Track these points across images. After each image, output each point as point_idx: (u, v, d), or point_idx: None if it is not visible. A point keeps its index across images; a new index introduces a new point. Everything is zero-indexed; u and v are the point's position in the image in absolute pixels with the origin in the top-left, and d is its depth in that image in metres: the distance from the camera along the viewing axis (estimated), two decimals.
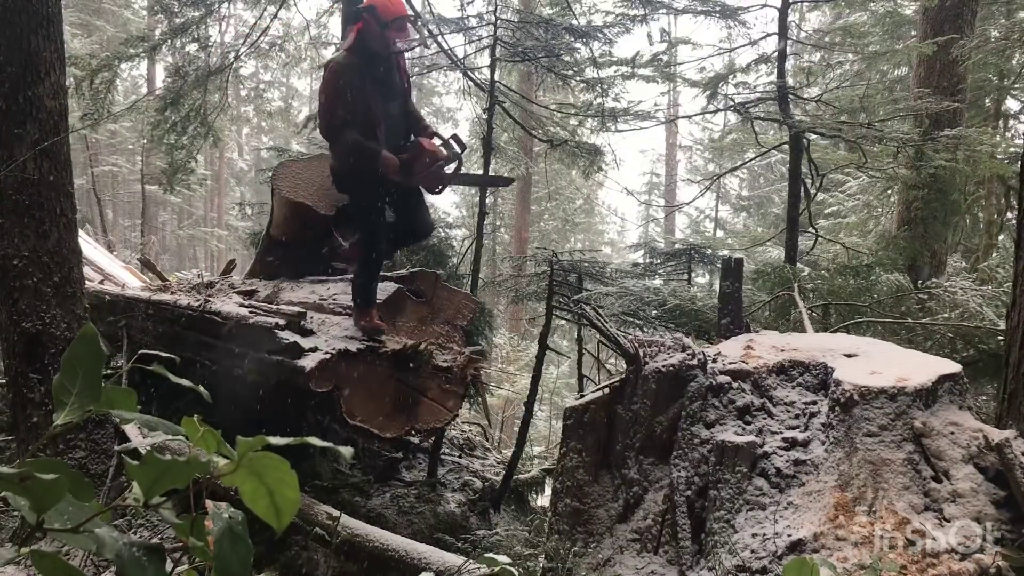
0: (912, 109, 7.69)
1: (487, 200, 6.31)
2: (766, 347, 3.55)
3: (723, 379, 3.23)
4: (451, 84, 26.47)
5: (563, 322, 8.37)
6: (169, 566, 0.83)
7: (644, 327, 5.73)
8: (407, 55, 4.77)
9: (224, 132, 14.36)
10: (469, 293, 5.17)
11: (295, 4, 8.36)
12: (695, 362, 3.30)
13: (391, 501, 4.83)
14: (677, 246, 7.77)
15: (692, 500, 3.09)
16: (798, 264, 6.67)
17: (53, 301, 3.68)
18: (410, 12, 4.73)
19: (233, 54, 8.46)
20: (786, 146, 7.31)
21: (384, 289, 4.46)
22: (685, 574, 2.98)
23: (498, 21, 6.18)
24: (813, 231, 7.74)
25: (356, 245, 4.50)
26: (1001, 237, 9.41)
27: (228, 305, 4.43)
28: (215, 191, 26.62)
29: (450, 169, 4.40)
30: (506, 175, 4.63)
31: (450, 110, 31.92)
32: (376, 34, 3.93)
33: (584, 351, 6.29)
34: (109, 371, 4.42)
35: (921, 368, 2.98)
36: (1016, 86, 10.11)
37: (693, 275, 7.07)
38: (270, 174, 5.62)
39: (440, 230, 7.45)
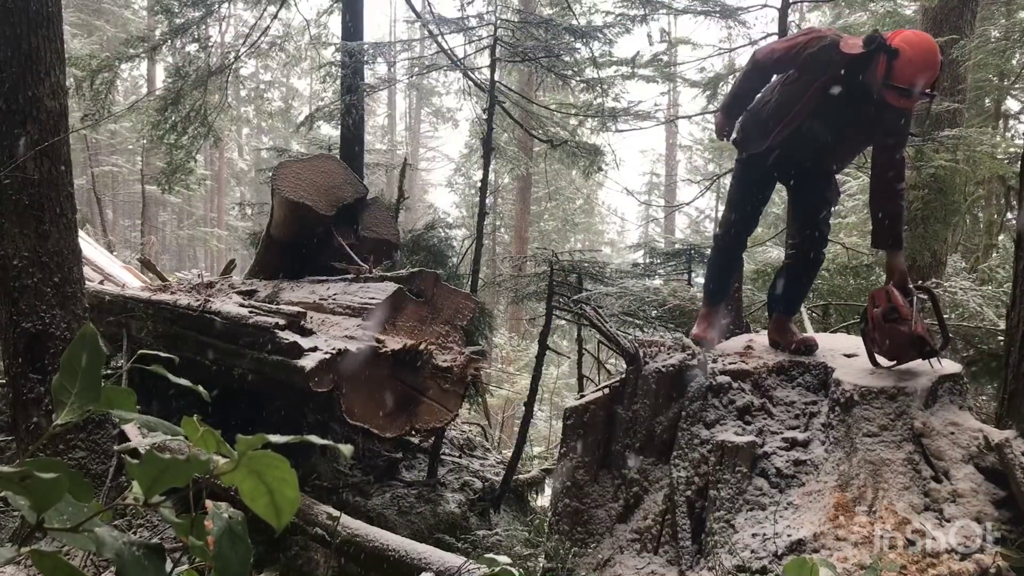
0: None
1: (487, 200, 6.31)
2: (766, 347, 3.55)
3: (723, 379, 3.23)
4: (451, 84, 26.51)
5: (563, 322, 8.37)
6: (169, 566, 0.83)
7: (644, 327, 5.72)
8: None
9: (224, 132, 14.36)
10: (469, 293, 5.17)
11: (295, 4, 8.35)
12: (695, 362, 3.30)
13: (391, 501, 4.83)
14: (677, 246, 7.75)
15: (692, 500, 3.09)
16: None
17: (53, 301, 3.67)
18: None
19: (233, 54, 8.47)
20: None
21: (384, 289, 4.46)
22: (685, 574, 2.98)
23: (498, 21, 6.17)
24: None
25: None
26: (1001, 237, 9.40)
27: (228, 305, 4.43)
28: (215, 191, 26.63)
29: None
30: None
31: (450, 110, 32.01)
32: (876, 75, 3.09)
33: (584, 351, 6.30)
34: (109, 371, 4.42)
35: (921, 368, 2.98)
36: (1016, 86, 10.11)
37: (693, 275, 7.05)
38: (270, 174, 5.62)
39: (440, 230, 7.46)
